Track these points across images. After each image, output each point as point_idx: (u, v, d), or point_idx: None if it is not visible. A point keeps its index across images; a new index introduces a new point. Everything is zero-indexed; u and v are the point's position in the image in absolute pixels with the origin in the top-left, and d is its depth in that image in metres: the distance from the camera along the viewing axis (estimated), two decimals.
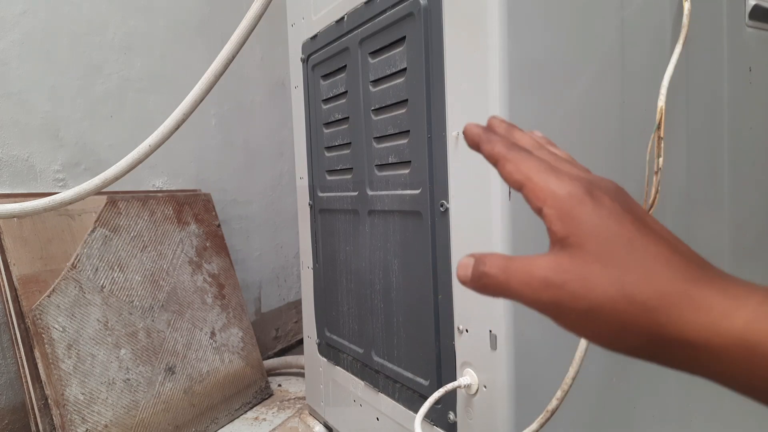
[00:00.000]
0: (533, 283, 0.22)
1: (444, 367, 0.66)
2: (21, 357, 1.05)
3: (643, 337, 0.20)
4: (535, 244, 0.58)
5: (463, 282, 0.25)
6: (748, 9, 0.82)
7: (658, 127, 0.62)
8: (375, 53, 0.76)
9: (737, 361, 0.18)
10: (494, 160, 0.27)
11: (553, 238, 0.23)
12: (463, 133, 0.29)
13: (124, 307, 1.20)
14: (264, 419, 1.35)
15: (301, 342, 1.79)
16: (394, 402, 0.78)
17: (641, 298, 0.20)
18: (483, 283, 0.24)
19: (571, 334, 0.23)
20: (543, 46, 0.58)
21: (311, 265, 1.03)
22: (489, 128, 0.30)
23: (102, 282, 1.18)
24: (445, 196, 0.63)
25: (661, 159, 0.62)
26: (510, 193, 0.56)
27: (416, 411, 0.63)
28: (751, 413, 0.85)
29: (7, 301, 1.06)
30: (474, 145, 0.29)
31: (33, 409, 1.03)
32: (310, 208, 1.01)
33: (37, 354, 1.03)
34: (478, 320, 0.60)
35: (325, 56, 0.90)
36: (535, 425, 0.53)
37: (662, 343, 0.20)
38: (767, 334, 0.18)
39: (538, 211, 0.24)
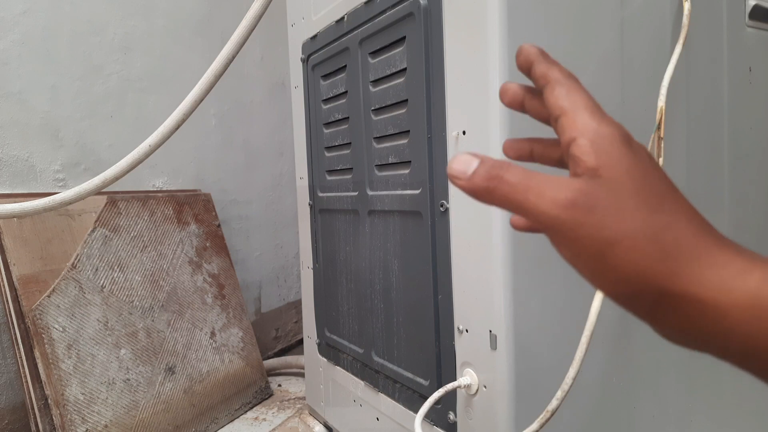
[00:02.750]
0: (558, 201, 0.21)
1: (444, 367, 0.66)
2: (21, 357, 1.05)
3: (652, 284, 0.20)
4: (536, 244, 0.58)
5: (457, 177, 0.23)
6: (748, 9, 0.82)
7: (658, 127, 0.62)
8: (375, 53, 0.76)
9: (744, 320, 0.18)
10: (545, 81, 0.25)
11: (581, 169, 0.22)
12: (518, 51, 0.27)
13: (124, 307, 1.20)
14: (264, 419, 1.35)
15: (301, 342, 1.79)
16: (394, 402, 0.78)
17: (664, 242, 0.20)
18: (493, 187, 0.22)
19: (569, 267, 0.22)
20: (543, 45, 0.58)
21: (311, 265, 1.03)
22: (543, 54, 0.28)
23: (102, 282, 1.18)
24: (445, 196, 0.63)
25: (661, 159, 0.62)
26: None
27: (416, 411, 0.63)
28: (751, 413, 0.85)
29: (7, 301, 1.06)
30: (527, 63, 0.27)
31: (33, 409, 1.03)
32: (310, 208, 1.01)
33: (37, 354, 1.03)
34: (478, 320, 0.60)
35: (325, 56, 0.90)
36: (535, 425, 0.53)
37: (669, 296, 0.20)
38: None
39: (569, 142, 0.22)
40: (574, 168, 0.22)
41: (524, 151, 0.29)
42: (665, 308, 0.20)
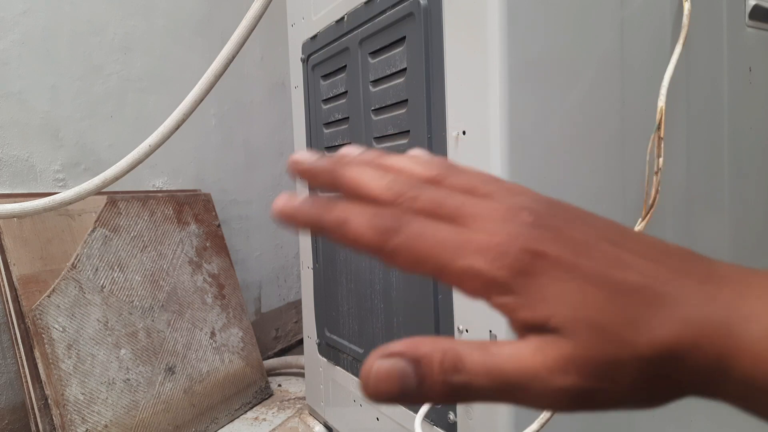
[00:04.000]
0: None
1: None
2: (21, 357, 1.05)
3: (704, 366, 0.16)
4: None
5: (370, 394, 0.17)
6: (748, 9, 0.82)
7: (658, 127, 0.62)
8: (375, 53, 0.76)
9: (754, 363, 0.16)
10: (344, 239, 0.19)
11: (521, 327, 0.17)
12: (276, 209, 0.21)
13: (124, 307, 1.20)
14: (264, 419, 1.35)
15: (301, 342, 1.79)
16: None
17: (698, 322, 0.16)
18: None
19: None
20: (543, 45, 0.58)
21: (311, 265, 1.03)
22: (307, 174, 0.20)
23: (102, 282, 1.18)
24: None
25: (661, 159, 0.62)
26: None
27: (416, 411, 0.63)
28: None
29: (7, 301, 1.06)
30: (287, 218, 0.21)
31: (33, 409, 1.03)
32: None
33: (37, 354, 1.03)
34: (478, 320, 0.60)
35: (325, 56, 0.90)
36: (535, 425, 0.53)
37: (721, 366, 0.16)
38: None
39: (484, 299, 0.18)
40: (512, 325, 0.19)
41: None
42: (668, 397, 0.18)
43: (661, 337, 0.16)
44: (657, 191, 0.62)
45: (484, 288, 0.17)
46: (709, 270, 0.18)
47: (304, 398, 1.41)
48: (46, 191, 1.24)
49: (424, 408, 0.62)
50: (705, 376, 0.16)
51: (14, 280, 1.06)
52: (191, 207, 1.47)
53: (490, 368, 0.16)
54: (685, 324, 0.16)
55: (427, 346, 0.17)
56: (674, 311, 0.16)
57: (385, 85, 0.74)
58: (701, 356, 0.16)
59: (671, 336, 0.16)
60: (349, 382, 0.91)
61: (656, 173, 0.62)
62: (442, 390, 0.16)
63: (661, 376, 0.16)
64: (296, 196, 0.20)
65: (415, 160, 0.22)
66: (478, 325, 0.60)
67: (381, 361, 0.17)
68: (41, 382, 1.03)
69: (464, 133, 0.60)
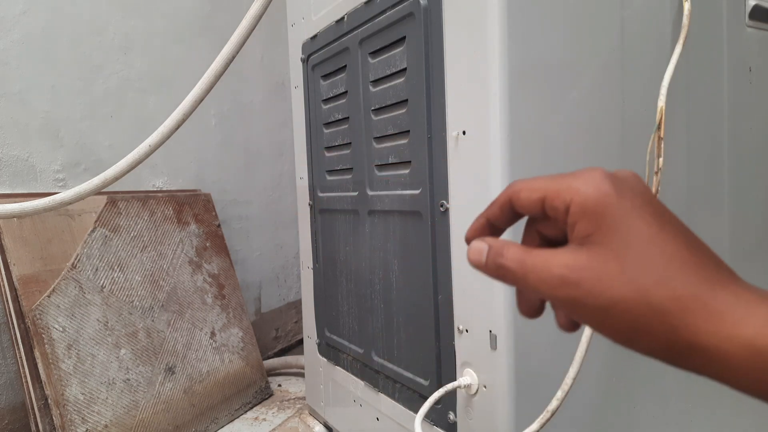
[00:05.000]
0: (551, 281, 0.23)
1: (444, 367, 0.66)
2: (21, 357, 1.05)
3: (658, 340, 0.21)
4: None
5: (477, 266, 0.26)
6: (748, 9, 0.82)
7: (658, 127, 0.62)
8: (375, 53, 0.76)
9: (747, 366, 0.19)
10: (511, 193, 0.27)
11: (574, 236, 0.23)
12: (469, 243, 0.28)
13: (124, 307, 1.20)
14: (264, 419, 1.35)
15: (301, 342, 1.79)
16: (394, 402, 0.78)
17: (656, 301, 0.21)
18: (500, 274, 0.25)
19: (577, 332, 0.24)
20: (543, 45, 0.58)
21: (311, 265, 1.03)
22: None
23: (102, 282, 1.18)
24: (445, 196, 0.63)
25: (661, 159, 0.62)
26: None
27: (416, 411, 0.63)
28: (750, 414, 0.85)
29: (7, 301, 1.06)
30: (483, 228, 0.28)
31: (33, 409, 1.03)
32: (310, 208, 1.01)
33: (37, 354, 1.03)
34: (478, 320, 0.60)
35: (325, 56, 0.90)
36: (535, 425, 0.53)
37: (676, 347, 0.20)
38: None
39: (564, 211, 0.23)
40: (569, 235, 0.23)
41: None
42: (679, 357, 0.21)
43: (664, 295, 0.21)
44: (657, 191, 0.62)
45: (574, 195, 0.23)
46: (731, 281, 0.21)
47: (304, 398, 1.41)
48: (46, 191, 1.24)
49: (424, 408, 0.62)
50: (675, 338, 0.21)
51: (14, 280, 1.06)
52: (191, 207, 1.47)
53: (519, 257, 0.24)
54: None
55: (495, 240, 0.26)
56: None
57: (385, 85, 0.74)
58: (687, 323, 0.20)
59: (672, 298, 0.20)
60: (349, 382, 0.91)
61: (656, 173, 0.62)
62: (493, 266, 0.25)
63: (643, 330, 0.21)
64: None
65: None
66: (478, 325, 0.60)
67: (475, 241, 0.27)
68: (41, 382, 1.03)
69: (464, 133, 0.60)
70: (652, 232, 0.22)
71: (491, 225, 0.28)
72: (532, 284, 0.23)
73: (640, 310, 0.21)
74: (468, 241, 0.28)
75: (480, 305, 0.59)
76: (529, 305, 0.27)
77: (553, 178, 0.24)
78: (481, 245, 0.26)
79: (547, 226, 0.26)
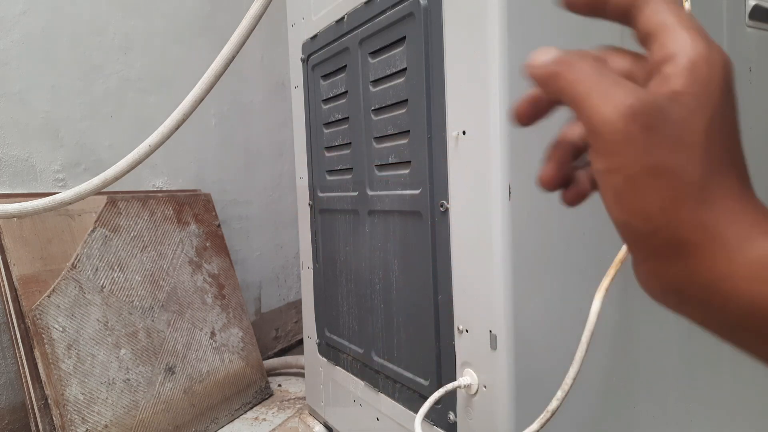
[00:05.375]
0: (620, 105, 0.19)
1: (444, 367, 0.66)
2: (21, 357, 1.05)
3: (673, 227, 0.19)
4: (536, 244, 0.58)
5: (532, 63, 0.22)
6: (748, 9, 0.82)
7: None
8: (375, 53, 0.76)
9: (757, 278, 0.18)
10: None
11: (666, 89, 0.19)
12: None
13: (124, 307, 1.20)
14: (264, 419, 1.35)
15: (301, 342, 1.79)
16: (394, 402, 0.78)
17: (707, 191, 0.19)
18: (561, 71, 0.21)
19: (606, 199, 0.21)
20: (543, 45, 0.58)
21: (311, 265, 1.03)
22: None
23: (102, 282, 1.18)
24: (445, 196, 0.63)
25: None
26: (510, 193, 0.56)
27: (416, 411, 0.63)
28: (750, 414, 0.85)
29: (7, 301, 1.06)
30: None
31: (33, 409, 1.03)
32: (310, 208, 1.01)
33: (37, 354, 1.03)
34: (478, 320, 0.60)
35: (325, 56, 0.90)
36: (535, 425, 0.53)
37: (685, 242, 0.19)
38: None
39: (667, 58, 0.20)
40: (657, 86, 0.20)
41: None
42: (673, 255, 0.19)
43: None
44: None
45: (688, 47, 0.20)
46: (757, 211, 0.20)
47: (304, 398, 1.41)
48: (46, 191, 1.24)
49: (424, 408, 0.62)
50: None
51: (14, 280, 1.06)
52: (191, 207, 1.47)
53: (596, 63, 0.21)
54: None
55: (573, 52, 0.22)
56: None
57: (385, 85, 0.74)
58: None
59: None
60: (349, 382, 0.91)
61: None
62: (559, 61, 0.21)
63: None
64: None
65: None
66: (478, 325, 0.60)
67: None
68: (41, 382, 1.03)
69: (464, 133, 0.60)
70: (736, 139, 0.21)
71: (593, 4, 0.23)
72: (592, 103, 0.19)
73: (687, 191, 0.19)
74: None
75: (480, 305, 0.59)
76: (563, 158, 0.24)
77: (680, 20, 0.20)
78: (555, 50, 0.22)
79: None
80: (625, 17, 0.22)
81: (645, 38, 0.21)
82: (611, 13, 0.23)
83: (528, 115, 0.25)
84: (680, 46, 0.20)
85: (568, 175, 0.25)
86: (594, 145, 0.20)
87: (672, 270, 0.19)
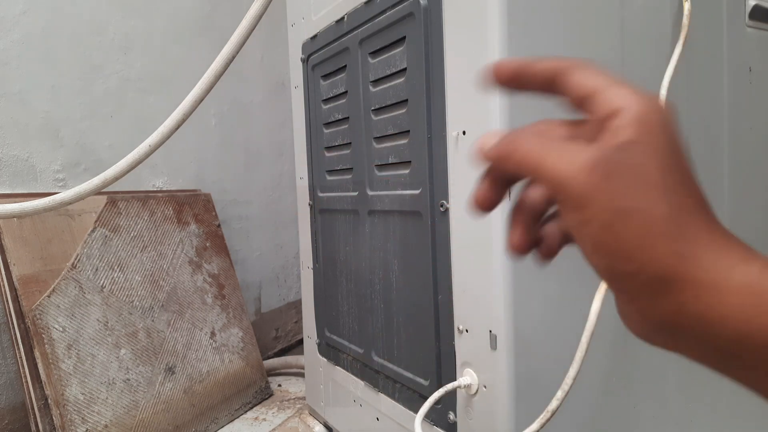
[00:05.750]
0: (576, 161, 0.21)
1: (444, 367, 0.66)
2: (21, 357, 1.05)
3: (654, 263, 0.19)
4: None
5: (481, 149, 0.24)
6: (748, 9, 0.82)
7: None
8: (375, 53, 0.76)
9: (741, 305, 0.18)
10: (558, 70, 0.24)
11: (617, 140, 0.21)
12: (497, 68, 0.25)
13: (124, 307, 1.20)
14: (264, 419, 1.35)
15: (301, 342, 1.79)
16: (394, 402, 0.78)
17: (677, 223, 0.20)
18: (512, 150, 0.23)
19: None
20: (543, 45, 0.58)
21: (311, 265, 1.03)
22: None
23: (102, 282, 1.18)
24: (445, 196, 0.63)
25: None
26: (510, 193, 0.56)
27: (416, 411, 0.63)
28: (750, 414, 0.85)
29: (7, 301, 1.06)
30: (513, 71, 0.25)
31: (33, 409, 1.03)
32: (310, 208, 1.01)
33: (37, 354, 1.03)
34: (478, 320, 0.60)
35: (325, 56, 0.90)
36: (535, 425, 0.53)
37: (668, 276, 0.19)
38: None
39: (611, 114, 0.21)
40: (609, 140, 0.21)
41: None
42: (658, 291, 0.20)
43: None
44: None
45: (632, 102, 0.22)
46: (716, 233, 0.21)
47: (304, 398, 1.41)
48: (46, 191, 1.24)
49: (424, 408, 0.62)
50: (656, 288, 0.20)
51: (14, 280, 1.06)
52: (191, 207, 1.47)
53: (541, 140, 0.23)
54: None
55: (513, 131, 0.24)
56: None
57: (385, 85, 0.74)
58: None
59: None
60: (349, 382, 0.91)
61: None
62: (504, 145, 0.24)
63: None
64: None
65: None
66: (478, 325, 0.60)
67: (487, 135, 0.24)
68: (41, 382, 1.03)
69: (464, 133, 0.60)
70: (689, 172, 0.22)
71: (520, 75, 0.25)
72: (549, 166, 0.21)
73: (659, 226, 0.19)
74: (497, 67, 0.25)
75: (480, 305, 0.59)
76: (525, 227, 0.25)
77: (613, 81, 0.22)
78: (495, 133, 0.24)
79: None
80: (552, 86, 0.24)
81: (581, 102, 0.23)
82: (538, 83, 0.25)
83: (488, 201, 0.26)
84: (624, 101, 0.21)
85: (535, 236, 0.26)
86: (563, 203, 0.21)
87: (661, 306, 0.20)
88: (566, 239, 0.25)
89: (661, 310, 0.20)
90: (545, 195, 0.26)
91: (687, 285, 0.19)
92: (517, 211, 0.26)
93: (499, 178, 0.25)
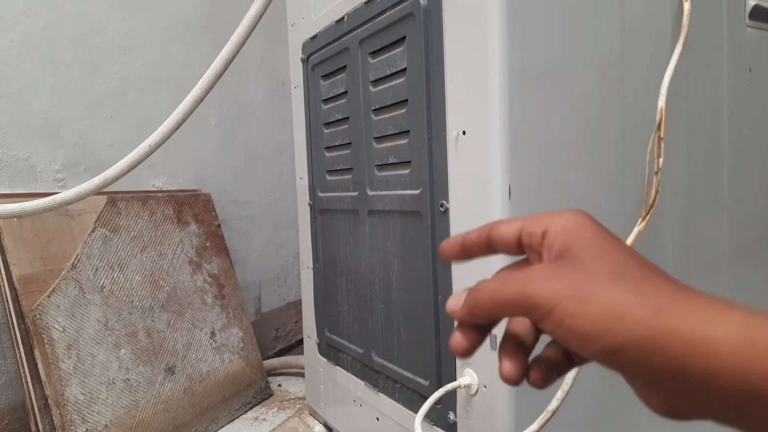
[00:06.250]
0: (533, 281, 0.23)
1: (444, 367, 0.66)
2: (21, 357, 1.05)
3: (633, 329, 0.20)
4: None
5: (452, 312, 0.27)
6: (748, 9, 0.82)
7: (658, 128, 0.62)
8: (375, 53, 0.76)
9: (738, 352, 0.18)
10: (486, 231, 0.29)
11: (552, 254, 0.25)
12: (441, 250, 0.30)
13: (124, 307, 1.20)
14: (264, 419, 1.35)
15: (301, 342, 1.79)
16: (394, 402, 0.78)
17: (640, 289, 0.21)
18: (475, 304, 0.26)
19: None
20: (543, 45, 0.58)
21: (311, 265, 1.03)
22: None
23: (102, 282, 1.18)
24: (445, 196, 0.63)
25: (661, 159, 0.62)
26: (510, 193, 0.56)
27: (416, 411, 0.63)
28: None
29: (7, 301, 1.06)
30: (457, 247, 0.30)
31: (33, 409, 1.03)
32: (310, 208, 1.01)
33: (37, 354, 1.03)
34: None
35: (325, 56, 0.90)
36: (535, 425, 0.53)
37: (653, 337, 0.20)
38: (763, 326, 0.18)
39: (541, 236, 0.25)
40: (548, 255, 0.25)
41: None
42: (653, 355, 0.20)
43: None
44: (657, 191, 0.62)
45: (549, 224, 0.26)
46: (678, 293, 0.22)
47: (304, 398, 1.41)
48: (46, 191, 1.24)
49: (424, 408, 0.62)
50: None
51: (14, 280, 1.06)
52: (191, 207, 1.47)
53: (499, 277, 0.26)
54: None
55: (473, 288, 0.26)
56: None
57: (385, 85, 0.74)
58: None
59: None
60: (349, 382, 0.91)
61: (656, 173, 0.62)
62: (471, 300, 0.26)
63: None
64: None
65: None
66: None
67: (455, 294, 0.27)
68: (41, 382, 1.03)
69: (464, 133, 0.60)
70: (631, 252, 0.24)
71: (464, 247, 0.29)
72: (512, 295, 0.23)
73: (623, 296, 0.21)
74: (442, 249, 0.30)
75: None
76: (515, 353, 0.27)
77: (531, 216, 0.27)
78: (460, 293, 0.27)
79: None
80: (491, 245, 0.28)
81: (515, 243, 0.27)
82: (480, 248, 0.29)
83: (466, 348, 0.27)
84: (545, 223, 0.26)
85: (525, 364, 0.27)
86: (537, 317, 0.23)
87: (663, 370, 0.20)
88: (562, 366, 0.27)
89: (665, 375, 0.20)
90: (527, 325, 0.28)
91: (675, 341, 0.20)
92: (503, 344, 0.27)
93: (476, 326, 0.27)
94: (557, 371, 0.26)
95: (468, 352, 0.27)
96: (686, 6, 0.68)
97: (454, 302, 0.27)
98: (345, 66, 0.84)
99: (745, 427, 0.20)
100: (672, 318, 0.20)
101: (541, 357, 0.27)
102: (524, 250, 0.27)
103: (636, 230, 0.61)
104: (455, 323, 0.27)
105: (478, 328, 0.27)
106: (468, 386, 0.61)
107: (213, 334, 1.38)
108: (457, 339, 0.27)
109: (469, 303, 0.26)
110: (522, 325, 0.28)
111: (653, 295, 0.21)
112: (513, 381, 0.26)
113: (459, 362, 0.64)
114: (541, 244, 0.25)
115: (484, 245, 0.29)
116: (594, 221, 0.25)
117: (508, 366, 0.26)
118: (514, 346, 0.27)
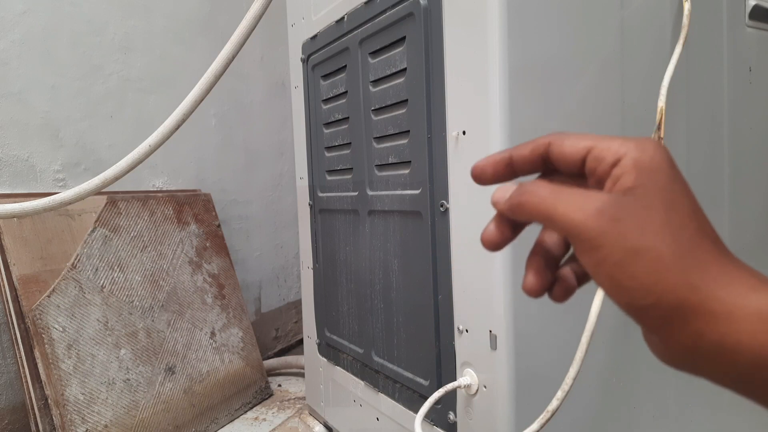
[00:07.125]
0: (585, 208, 0.22)
1: (444, 367, 0.66)
2: (21, 357, 1.05)
3: (669, 296, 0.20)
4: None
5: (499, 202, 0.25)
6: (748, 9, 0.82)
7: (658, 128, 0.62)
8: (375, 53, 0.76)
9: (756, 332, 0.19)
10: (543, 144, 0.26)
11: (616, 187, 0.22)
12: (478, 168, 0.27)
13: (124, 307, 1.20)
14: (264, 419, 1.35)
15: (301, 342, 1.79)
16: (394, 402, 0.78)
17: (687, 257, 0.21)
18: (525, 200, 0.24)
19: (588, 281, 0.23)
20: (543, 45, 0.58)
21: (311, 265, 1.03)
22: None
23: (102, 282, 1.18)
24: (445, 196, 0.63)
25: None
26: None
27: (416, 411, 0.63)
28: (750, 414, 0.85)
29: (7, 301, 1.06)
30: (498, 164, 0.27)
31: (33, 409, 1.03)
32: (310, 208, 1.01)
33: (37, 354, 1.03)
34: (478, 320, 0.60)
35: (325, 56, 0.90)
36: (535, 425, 0.53)
37: (684, 307, 0.20)
38: None
39: (613, 163, 0.23)
40: (611, 187, 0.23)
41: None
42: (677, 321, 0.21)
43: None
44: None
45: (629, 151, 0.23)
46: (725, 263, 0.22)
47: (304, 398, 1.41)
48: (46, 191, 1.24)
49: (424, 408, 0.62)
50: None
51: (14, 280, 1.06)
52: (191, 207, 1.47)
53: (551, 188, 0.24)
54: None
55: (526, 182, 0.25)
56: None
57: (385, 85, 0.74)
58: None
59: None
60: (349, 382, 0.91)
61: None
62: (517, 196, 0.25)
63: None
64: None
65: None
66: (478, 325, 0.60)
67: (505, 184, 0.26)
68: (41, 382, 1.03)
69: (464, 133, 0.60)
70: (695, 207, 0.23)
71: (511, 165, 0.27)
72: (561, 213, 0.22)
73: (670, 261, 0.21)
74: (477, 168, 0.27)
75: (480, 305, 0.59)
76: (541, 269, 0.26)
77: (602, 136, 0.24)
78: (510, 184, 0.25)
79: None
80: (544, 162, 0.26)
81: (578, 163, 0.24)
82: (529, 165, 0.26)
83: (497, 242, 0.27)
84: (620, 150, 0.23)
85: (549, 279, 0.27)
86: (578, 246, 0.23)
87: (680, 335, 0.21)
88: (583, 279, 0.27)
89: (681, 339, 0.21)
90: (559, 240, 0.27)
91: (702, 315, 0.20)
92: (533, 255, 0.27)
93: (512, 222, 0.27)
94: (579, 284, 0.27)
95: (498, 246, 0.27)
96: (686, 6, 0.68)
97: (500, 194, 0.25)
98: (345, 66, 0.84)
99: (754, 397, 0.21)
100: (708, 295, 0.20)
101: (565, 273, 0.27)
102: (585, 172, 0.24)
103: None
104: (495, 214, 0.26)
105: (514, 225, 0.26)
106: (468, 386, 0.61)
107: (213, 334, 1.38)
108: (490, 230, 0.27)
109: (514, 201, 0.25)
110: (555, 237, 0.27)
111: (699, 268, 0.21)
112: (534, 295, 0.26)
113: (459, 362, 0.64)
114: (608, 173, 0.23)
115: (538, 161, 0.26)
116: (671, 161, 0.23)
117: (532, 279, 0.26)
118: (541, 258, 0.27)
